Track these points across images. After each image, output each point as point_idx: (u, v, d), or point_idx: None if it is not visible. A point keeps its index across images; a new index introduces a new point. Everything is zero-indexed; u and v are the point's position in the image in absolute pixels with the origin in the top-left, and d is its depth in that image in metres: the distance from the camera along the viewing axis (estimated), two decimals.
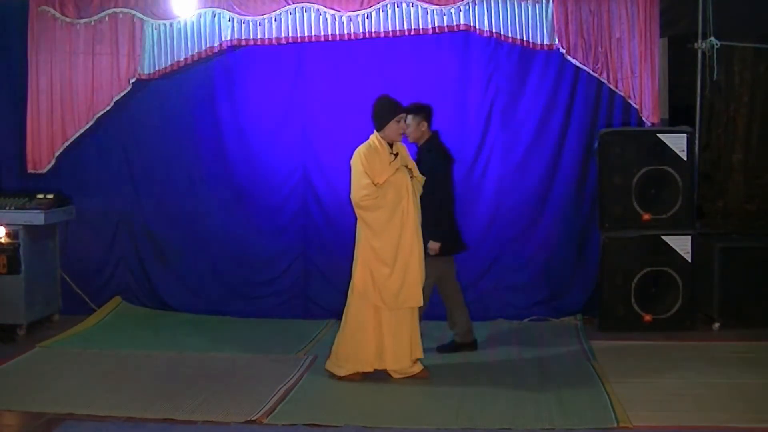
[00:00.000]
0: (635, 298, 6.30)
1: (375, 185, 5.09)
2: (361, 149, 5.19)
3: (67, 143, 6.92)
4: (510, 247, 6.83)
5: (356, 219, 5.24)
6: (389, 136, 5.22)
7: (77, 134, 6.92)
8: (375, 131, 5.26)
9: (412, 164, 5.38)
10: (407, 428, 4.46)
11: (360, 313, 5.20)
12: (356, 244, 5.26)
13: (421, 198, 5.50)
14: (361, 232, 5.20)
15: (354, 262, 5.25)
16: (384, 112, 5.22)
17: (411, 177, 5.23)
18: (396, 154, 5.23)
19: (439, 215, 5.61)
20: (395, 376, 5.24)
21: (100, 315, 6.93)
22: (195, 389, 5.08)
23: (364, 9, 6.53)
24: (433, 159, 5.66)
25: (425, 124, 5.72)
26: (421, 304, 5.25)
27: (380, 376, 5.33)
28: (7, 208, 6.46)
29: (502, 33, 6.50)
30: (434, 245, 5.57)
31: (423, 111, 5.75)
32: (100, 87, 6.84)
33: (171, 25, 6.75)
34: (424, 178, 5.40)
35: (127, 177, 7.11)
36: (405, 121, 5.34)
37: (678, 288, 6.28)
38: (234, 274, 7.06)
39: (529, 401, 4.81)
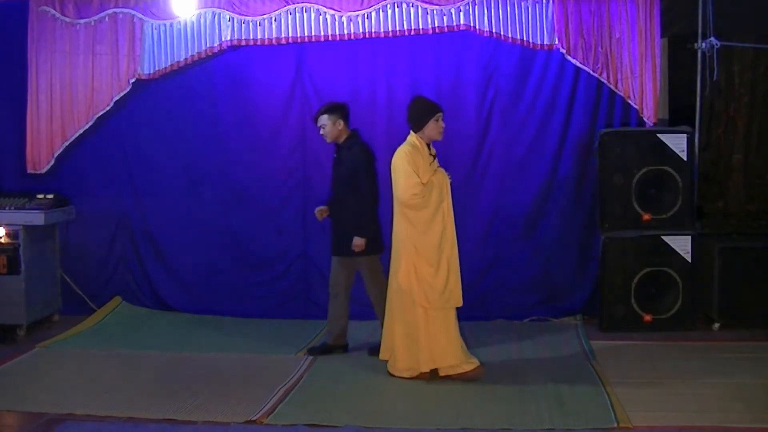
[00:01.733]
0: (635, 298, 6.30)
1: (422, 184, 5.11)
2: (405, 149, 5.19)
3: (66, 143, 6.93)
4: (510, 247, 6.83)
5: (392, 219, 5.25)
6: (429, 136, 5.24)
7: (77, 134, 6.93)
8: (412, 132, 5.26)
9: None
10: (407, 428, 4.46)
11: (409, 313, 5.18)
12: (395, 244, 5.25)
13: (344, 196, 5.59)
14: (403, 232, 5.18)
15: (394, 262, 5.24)
16: (422, 113, 5.24)
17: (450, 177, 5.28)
18: (434, 155, 5.26)
19: (363, 212, 5.61)
20: (442, 374, 5.21)
21: (100, 315, 6.93)
22: (195, 389, 5.08)
23: (364, 9, 6.53)
24: (354, 156, 5.65)
25: (341, 122, 5.72)
26: (462, 304, 5.24)
27: (379, 376, 5.34)
28: (7, 208, 6.46)
29: (502, 33, 6.50)
30: (359, 242, 5.56)
31: (338, 110, 5.75)
32: (99, 87, 6.85)
33: (171, 25, 6.75)
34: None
35: (126, 177, 7.11)
36: (442, 119, 5.29)
37: (678, 288, 6.28)
38: (234, 274, 7.06)
39: (529, 401, 4.82)
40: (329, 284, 5.92)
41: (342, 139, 5.75)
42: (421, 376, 5.22)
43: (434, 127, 5.23)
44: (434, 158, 5.27)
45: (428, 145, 5.27)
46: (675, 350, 5.83)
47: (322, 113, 5.71)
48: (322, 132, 5.75)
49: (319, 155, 6.91)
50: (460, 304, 5.24)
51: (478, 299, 6.77)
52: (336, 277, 5.85)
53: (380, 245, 5.79)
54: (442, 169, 5.28)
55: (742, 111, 6.90)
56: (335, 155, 5.82)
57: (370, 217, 5.67)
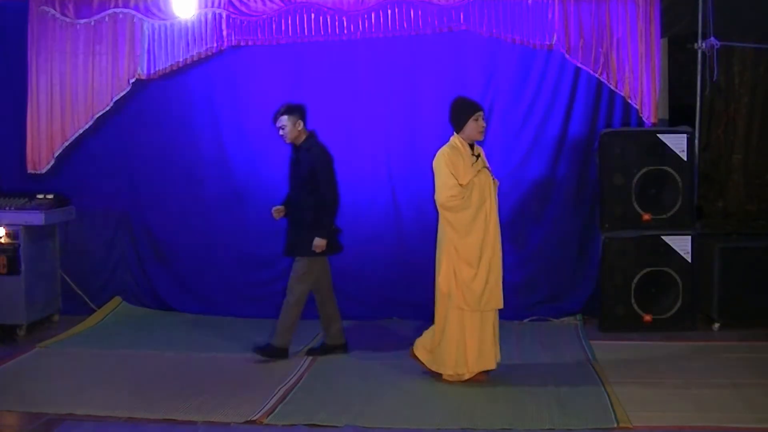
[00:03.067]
0: (635, 298, 6.30)
1: (460, 186, 5.06)
2: (444, 150, 5.15)
3: (66, 143, 6.93)
4: (510, 247, 6.80)
5: (437, 220, 5.21)
6: (470, 136, 5.16)
7: (77, 134, 6.93)
8: (455, 132, 5.21)
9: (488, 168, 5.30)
10: (407, 428, 4.46)
11: (447, 315, 5.15)
12: (438, 245, 5.21)
13: (302, 197, 5.56)
14: (445, 234, 5.14)
15: (437, 263, 5.21)
16: (461, 113, 5.18)
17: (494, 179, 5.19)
18: (478, 155, 5.19)
19: (322, 213, 5.60)
20: (448, 379, 5.19)
21: (100, 315, 6.93)
22: (195, 389, 5.08)
23: (364, 9, 6.52)
24: (314, 158, 5.63)
25: (301, 123, 5.69)
26: (502, 305, 5.18)
27: (378, 376, 5.34)
28: (7, 208, 6.46)
29: (502, 33, 6.50)
30: (320, 242, 5.55)
31: (297, 110, 5.71)
32: (99, 87, 6.85)
33: (171, 25, 6.75)
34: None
35: (127, 177, 7.11)
36: (482, 119, 5.19)
37: (678, 288, 6.28)
38: (234, 274, 7.06)
39: (529, 401, 4.82)
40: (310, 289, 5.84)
41: (300, 140, 5.70)
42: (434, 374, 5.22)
43: (474, 127, 5.14)
44: (477, 158, 5.17)
45: (471, 146, 5.19)
46: (675, 350, 5.83)
47: (282, 113, 5.66)
48: (281, 133, 5.69)
49: None
50: (501, 306, 5.16)
51: None
52: (310, 278, 5.78)
53: (338, 246, 5.78)
54: (486, 170, 5.18)
55: (742, 111, 6.90)
56: (293, 156, 5.77)
57: (330, 218, 5.66)
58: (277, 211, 5.79)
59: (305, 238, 5.61)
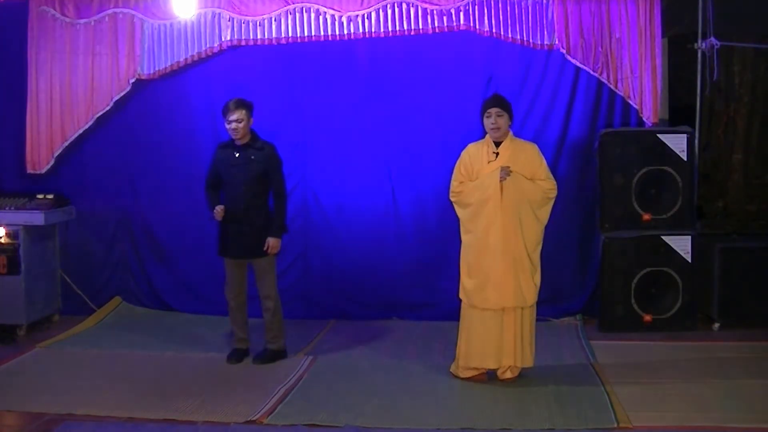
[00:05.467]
0: (635, 298, 6.31)
1: (461, 183, 5.14)
2: (468, 146, 5.27)
3: (66, 143, 6.93)
4: None
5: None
6: (488, 133, 5.19)
7: (77, 134, 6.93)
8: None
9: (540, 164, 5.19)
10: (407, 428, 4.47)
11: (462, 307, 5.25)
12: None
13: (253, 196, 5.50)
14: None
15: None
16: (481, 111, 5.22)
17: (503, 178, 5.00)
18: (497, 153, 5.13)
19: (279, 212, 5.59)
20: (453, 371, 5.24)
21: (100, 315, 6.93)
22: (195, 389, 5.09)
23: (364, 9, 6.53)
24: (268, 156, 5.58)
25: (251, 120, 5.60)
26: (499, 307, 5.05)
27: (379, 376, 5.33)
28: (7, 208, 6.47)
29: (502, 33, 6.50)
30: (276, 242, 5.54)
31: (251, 107, 5.60)
32: (99, 87, 6.85)
33: (171, 25, 6.75)
34: (555, 182, 5.27)
35: (127, 177, 7.11)
36: (496, 115, 5.10)
37: (678, 288, 6.28)
38: None
39: (529, 401, 4.82)
40: (230, 291, 5.77)
41: (247, 138, 5.59)
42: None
43: (486, 124, 5.16)
44: (497, 157, 5.11)
45: (497, 143, 5.16)
46: (675, 350, 5.83)
47: (240, 107, 5.49)
48: (235, 126, 5.50)
49: (319, 155, 6.92)
50: (499, 306, 5.06)
51: None
52: (238, 284, 5.73)
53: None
54: (496, 172, 5.04)
55: (742, 111, 6.90)
56: (237, 154, 5.59)
57: (285, 218, 5.64)
58: (222, 210, 5.61)
59: (262, 240, 5.53)
